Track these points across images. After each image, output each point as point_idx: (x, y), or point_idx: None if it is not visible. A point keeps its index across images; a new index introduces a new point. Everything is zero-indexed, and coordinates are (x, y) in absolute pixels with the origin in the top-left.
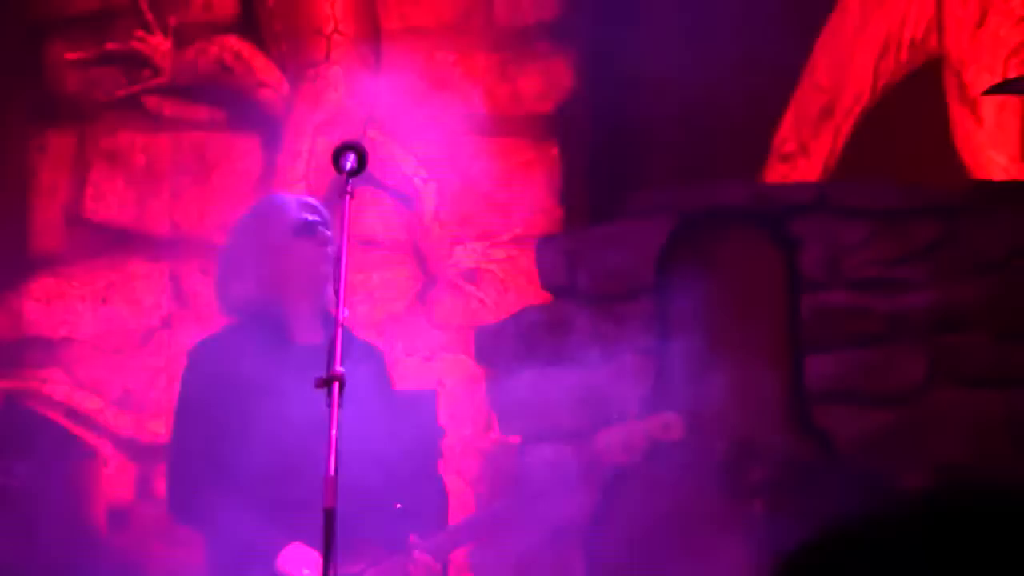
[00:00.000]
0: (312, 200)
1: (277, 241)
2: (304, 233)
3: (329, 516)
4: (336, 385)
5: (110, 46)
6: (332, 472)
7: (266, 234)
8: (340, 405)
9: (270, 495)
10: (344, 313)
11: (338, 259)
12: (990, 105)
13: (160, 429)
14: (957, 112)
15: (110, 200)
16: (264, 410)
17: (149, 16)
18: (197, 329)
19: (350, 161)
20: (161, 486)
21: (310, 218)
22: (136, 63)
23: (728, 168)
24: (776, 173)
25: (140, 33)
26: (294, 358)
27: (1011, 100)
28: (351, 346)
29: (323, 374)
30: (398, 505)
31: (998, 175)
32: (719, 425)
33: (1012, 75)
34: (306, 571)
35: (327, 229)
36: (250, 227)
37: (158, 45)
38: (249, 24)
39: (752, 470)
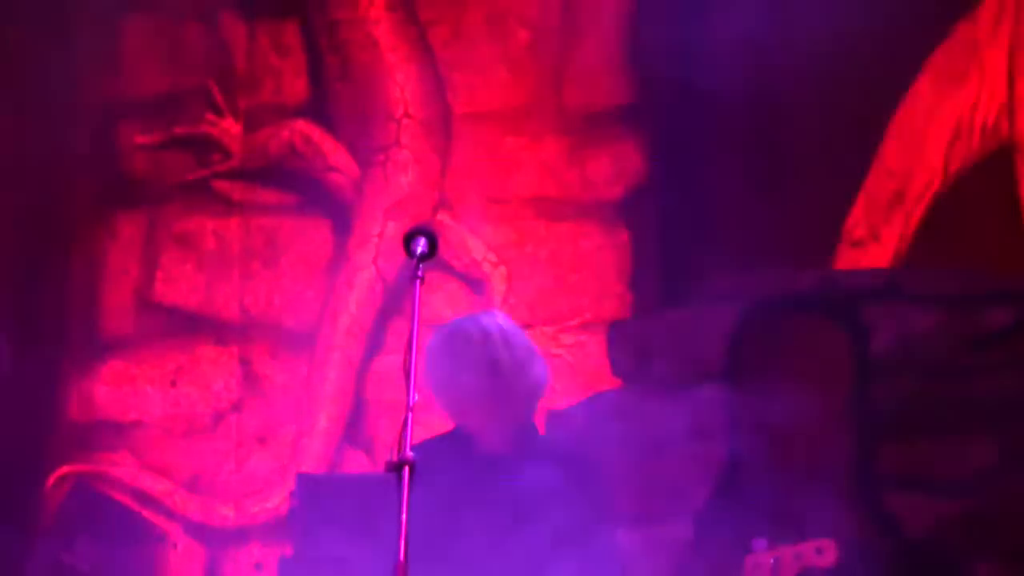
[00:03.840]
0: (510, 333)
1: (461, 386)
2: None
3: None
4: (407, 470)
5: (180, 130)
6: (402, 558)
7: (454, 374)
8: (411, 489)
9: None
10: (415, 398)
11: (409, 343)
12: None
13: (229, 513)
14: None
15: (180, 284)
16: (452, 525)
17: (219, 99)
18: (267, 413)
19: (421, 245)
20: (230, 570)
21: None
22: (206, 147)
23: (799, 254)
24: (847, 259)
25: (210, 116)
26: (483, 471)
27: None
28: (548, 448)
29: (509, 482)
30: None
31: None
32: (790, 512)
33: None
34: None
35: (514, 367)
36: (443, 354)
37: (228, 128)
38: (319, 108)
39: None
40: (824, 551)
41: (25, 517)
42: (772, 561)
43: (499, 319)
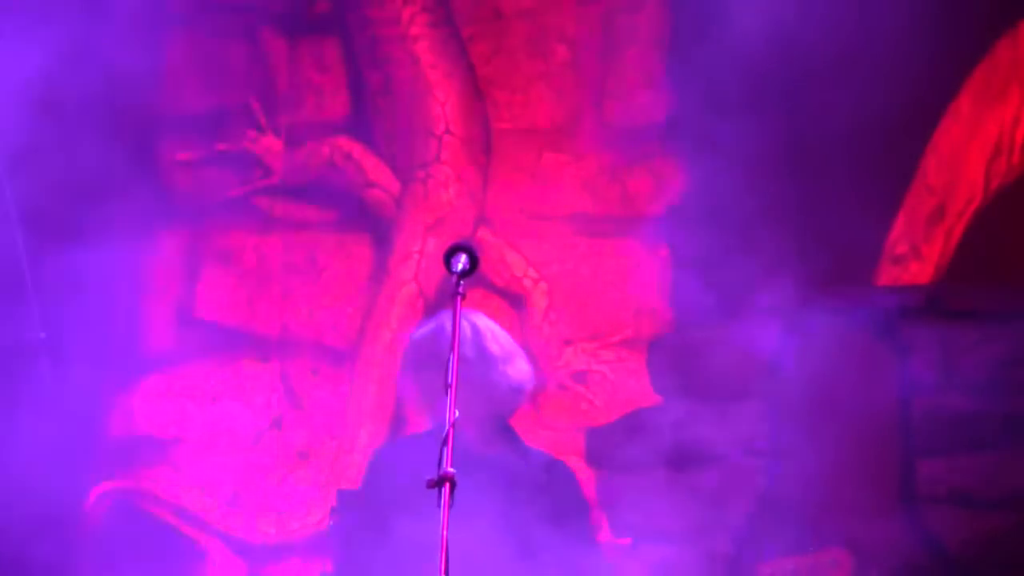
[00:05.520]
0: (485, 332)
1: (432, 377)
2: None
3: None
4: (447, 486)
5: (222, 146)
6: (443, 574)
7: (427, 366)
8: (451, 505)
9: None
10: (455, 415)
11: (448, 360)
12: None
13: (270, 529)
14: None
15: (221, 300)
16: (426, 519)
17: (261, 117)
18: (308, 429)
19: (462, 262)
20: None
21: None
22: (247, 163)
23: (840, 271)
24: (888, 275)
25: (252, 133)
26: (466, 467)
27: None
28: (527, 459)
29: (483, 480)
30: None
31: None
32: (833, 528)
33: None
34: None
35: (486, 363)
36: (427, 340)
37: (270, 145)
38: (360, 124)
39: (837, 567)
40: (839, 563)
41: (67, 533)
42: (789, 570)
43: (478, 318)
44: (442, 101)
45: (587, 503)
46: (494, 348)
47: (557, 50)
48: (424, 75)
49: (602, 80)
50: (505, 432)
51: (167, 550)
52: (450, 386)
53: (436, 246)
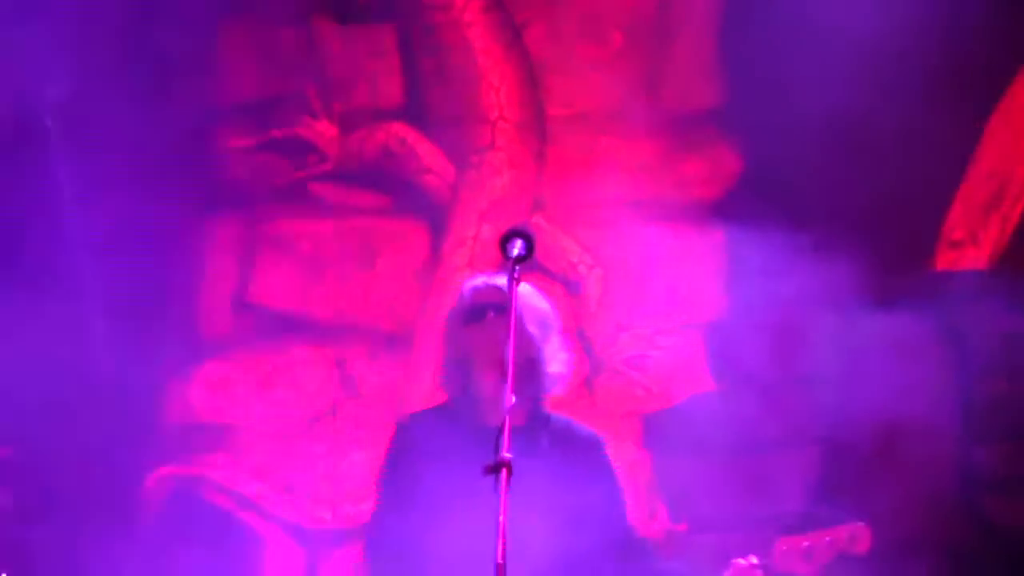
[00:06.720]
0: (490, 282)
1: (452, 330)
2: (472, 320)
3: None
4: (504, 472)
5: (276, 133)
6: (500, 559)
7: (446, 323)
8: (508, 490)
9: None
10: (512, 400)
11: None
12: None
13: (327, 515)
14: None
15: (276, 286)
16: (449, 491)
17: (315, 103)
18: (363, 415)
19: (518, 247)
20: (328, 571)
21: (478, 304)
22: (302, 149)
23: (898, 255)
24: (945, 260)
25: (306, 120)
26: (483, 439)
27: None
28: (568, 433)
29: (511, 456)
30: None
31: None
32: (888, 514)
33: None
34: None
35: (498, 313)
36: (446, 316)
37: (324, 131)
38: (414, 110)
39: (920, 559)
40: (858, 538)
41: (126, 518)
42: (806, 546)
43: (530, 296)
44: (496, 87)
45: (609, 465)
46: (533, 329)
47: (612, 35)
48: (477, 61)
49: (657, 65)
50: (540, 408)
51: (225, 536)
52: (506, 372)
53: (490, 232)
